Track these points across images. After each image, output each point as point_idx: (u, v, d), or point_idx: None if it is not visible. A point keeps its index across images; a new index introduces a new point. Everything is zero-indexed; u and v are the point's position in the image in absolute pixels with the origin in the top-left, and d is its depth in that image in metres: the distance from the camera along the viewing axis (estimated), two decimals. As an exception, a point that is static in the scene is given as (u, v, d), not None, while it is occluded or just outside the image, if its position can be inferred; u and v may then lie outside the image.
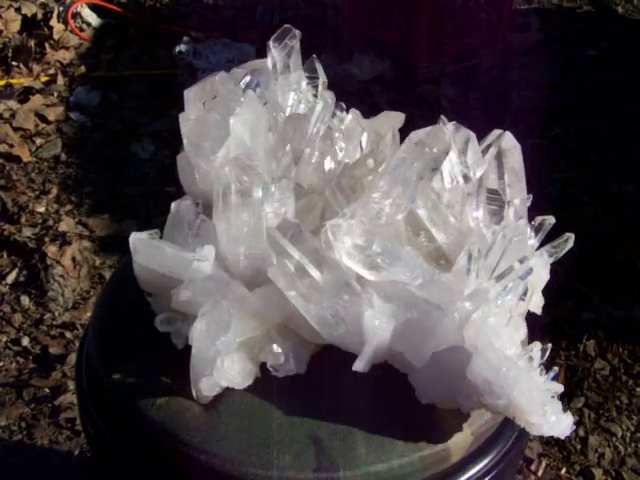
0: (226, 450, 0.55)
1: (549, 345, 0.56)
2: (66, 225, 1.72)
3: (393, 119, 0.72)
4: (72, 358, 1.42)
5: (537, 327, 0.66)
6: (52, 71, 2.32)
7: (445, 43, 2.37)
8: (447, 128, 0.65)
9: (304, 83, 0.72)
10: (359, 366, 0.55)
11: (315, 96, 0.72)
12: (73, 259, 1.63)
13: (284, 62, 0.71)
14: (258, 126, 0.63)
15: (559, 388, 0.55)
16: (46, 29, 2.43)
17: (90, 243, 1.69)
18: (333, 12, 2.69)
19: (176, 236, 0.60)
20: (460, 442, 0.57)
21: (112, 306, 0.70)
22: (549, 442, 1.29)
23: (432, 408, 0.57)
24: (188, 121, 0.64)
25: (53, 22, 2.44)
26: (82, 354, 0.69)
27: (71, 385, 1.37)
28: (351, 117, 0.71)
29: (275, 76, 0.71)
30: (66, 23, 2.46)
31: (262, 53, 2.67)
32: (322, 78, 0.72)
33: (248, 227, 0.58)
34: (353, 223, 0.57)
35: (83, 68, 2.33)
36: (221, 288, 0.56)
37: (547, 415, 0.52)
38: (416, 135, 0.63)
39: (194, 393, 0.57)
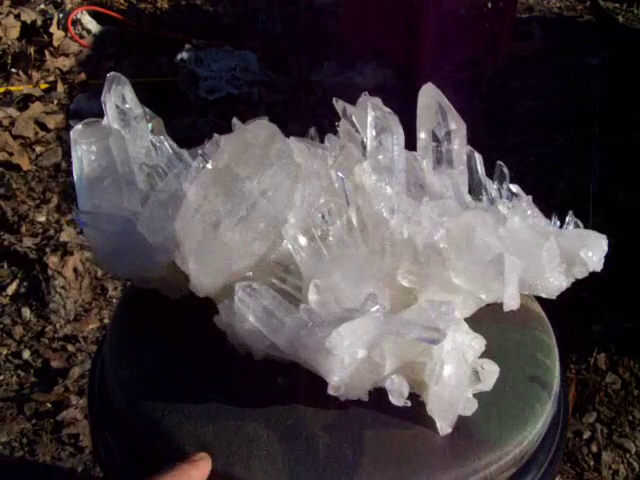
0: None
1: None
2: (67, 235, 1.69)
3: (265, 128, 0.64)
4: (74, 372, 1.39)
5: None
6: (52, 78, 2.30)
7: (448, 52, 2.35)
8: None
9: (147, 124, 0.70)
10: (514, 304, 0.62)
11: (152, 131, 0.70)
12: (75, 270, 1.60)
13: (129, 112, 0.68)
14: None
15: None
16: (46, 36, 2.41)
17: (92, 253, 1.67)
18: (335, 20, 2.68)
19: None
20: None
21: (129, 328, 0.68)
22: (562, 458, 1.27)
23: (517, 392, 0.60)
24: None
25: (53, 29, 2.42)
26: (95, 375, 0.67)
27: (74, 400, 1.34)
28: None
29: (128, 129, 0.68)
30: (66, 30, 2.44)
31: (265, 61, 2.61)
32: (151, 114, 0.71)
33: (362, 258, 0.57)
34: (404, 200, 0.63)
35: (83, 75, 2.31)
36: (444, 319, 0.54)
37: (603, 246, 0.67)
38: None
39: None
